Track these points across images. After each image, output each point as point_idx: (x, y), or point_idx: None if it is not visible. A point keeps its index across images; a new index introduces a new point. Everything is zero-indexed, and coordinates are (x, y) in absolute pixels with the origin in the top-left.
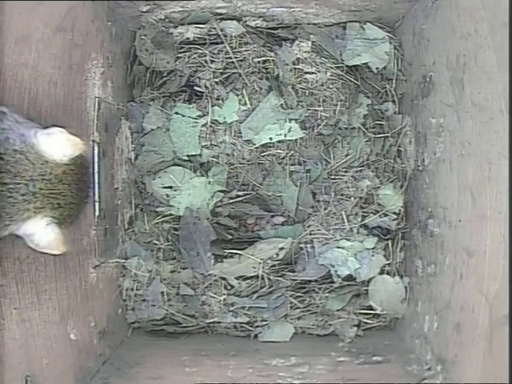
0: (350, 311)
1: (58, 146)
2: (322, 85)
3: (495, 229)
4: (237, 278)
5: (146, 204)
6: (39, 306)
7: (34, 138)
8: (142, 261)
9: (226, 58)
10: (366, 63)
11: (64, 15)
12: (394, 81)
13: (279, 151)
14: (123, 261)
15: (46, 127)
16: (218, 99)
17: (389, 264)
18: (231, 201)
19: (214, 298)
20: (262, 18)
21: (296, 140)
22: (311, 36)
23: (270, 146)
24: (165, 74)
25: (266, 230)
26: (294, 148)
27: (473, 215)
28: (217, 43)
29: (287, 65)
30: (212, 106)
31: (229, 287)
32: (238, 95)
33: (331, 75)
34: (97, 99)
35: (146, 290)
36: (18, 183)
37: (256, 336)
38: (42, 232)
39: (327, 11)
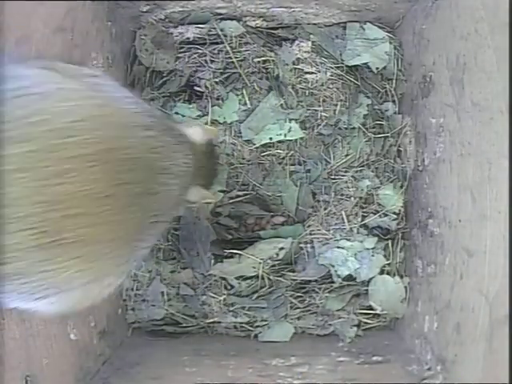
0: (350, 311)
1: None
2: (322, 85)
3: (495, 229)
4: (237, 278)
5: None
6: None
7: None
8: (142, 261)
9: (226, 58)
10: (366, 63)
11: (64, 15)
12: (394, 81)
13: (279, 151)
14: None
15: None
16: (218, 99)
17: (389, 264)
18: (231, 201)
19: (214, 297)
20: (262, 18)
21: (296, 140)
22: (311, 36)
23: (270, 146)
24: (165, 74)
25: (265, 229)
26: (294, 148)
27: (473, 215)
28: (217, 43)
29: (287, 65)
30: (212, 106)
31: (229, 287)
32: (238, 95)
33: (331, 75)
34: None
35: (145, 290)
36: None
37: (256, 336)
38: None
39: (327, 11)
